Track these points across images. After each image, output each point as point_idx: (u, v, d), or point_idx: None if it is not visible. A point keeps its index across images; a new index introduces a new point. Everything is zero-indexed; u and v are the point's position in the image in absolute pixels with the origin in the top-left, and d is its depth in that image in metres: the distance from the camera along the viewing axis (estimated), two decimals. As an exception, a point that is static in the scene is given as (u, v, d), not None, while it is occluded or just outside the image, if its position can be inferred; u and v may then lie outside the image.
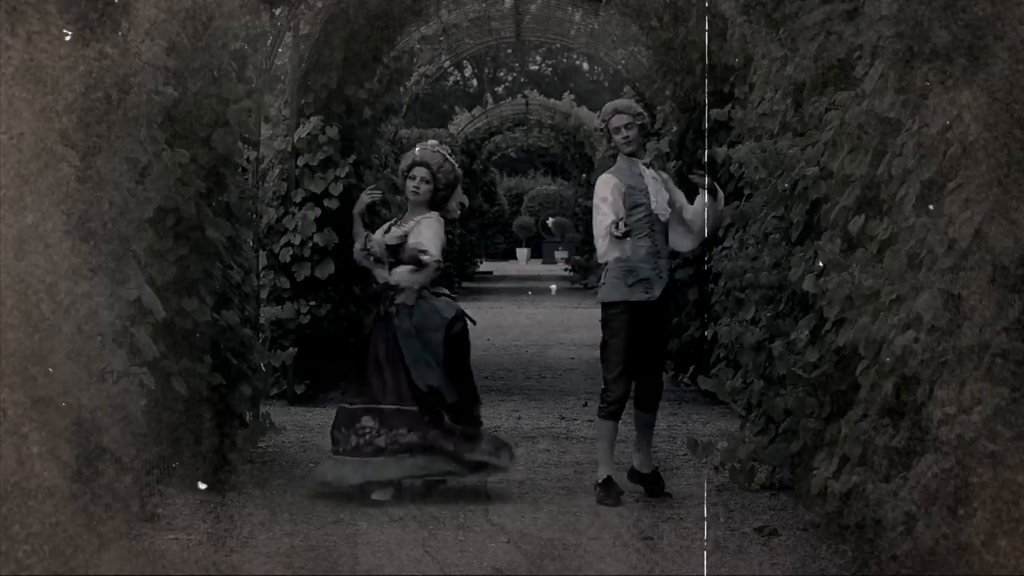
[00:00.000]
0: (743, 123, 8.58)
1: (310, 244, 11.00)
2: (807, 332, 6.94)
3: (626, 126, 7.61)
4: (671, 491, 7.54)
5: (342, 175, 11.08)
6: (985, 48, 4.92)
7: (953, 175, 4.99)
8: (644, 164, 7.65)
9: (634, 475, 7.65)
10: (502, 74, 50.94)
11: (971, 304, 4.84)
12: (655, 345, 7.55)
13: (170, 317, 6.63)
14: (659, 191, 7.56)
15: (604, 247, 7.45)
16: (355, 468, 7.30)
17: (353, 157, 11.28)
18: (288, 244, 11.03)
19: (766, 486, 7.61)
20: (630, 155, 7.65)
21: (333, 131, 11.06)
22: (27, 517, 5.00)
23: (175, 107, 6.73)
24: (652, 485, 7.55)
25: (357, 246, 7.64)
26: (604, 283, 7.53)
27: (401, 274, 7.50)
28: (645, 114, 7.74)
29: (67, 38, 5.49)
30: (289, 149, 11.08)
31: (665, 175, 7.74)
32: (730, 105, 9.08)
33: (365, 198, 7.69)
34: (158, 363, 6.26)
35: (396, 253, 7.53)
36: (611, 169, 7.68)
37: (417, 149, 7.73)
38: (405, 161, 7.72)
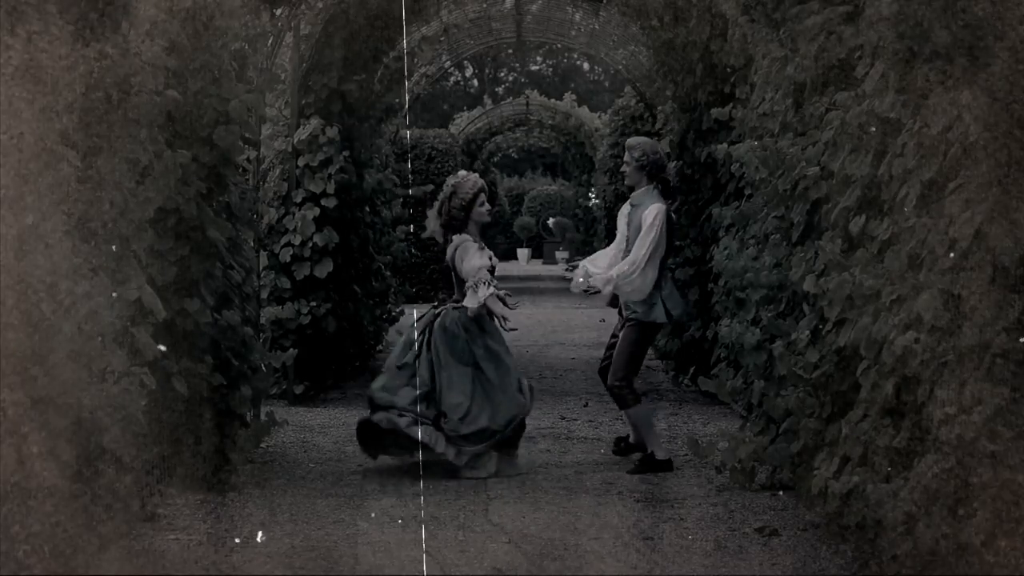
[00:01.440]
0: (744, 123, 8.58)
1: (310, 244, 11.00)
2: (808, 332, 6.94)
3: (625, 161, 8.61)
4: (671, 491, 7.56)
5: (334, 172, 11.07)
6: (985, 48, 4.92)
7: (953, 175, 4.99)
8: (631, 202, 8.58)
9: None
10: (503, 74, 50.93)
11: (971, 304, 4.85)
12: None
13: (171, 317, 6.63)
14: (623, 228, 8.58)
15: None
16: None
17: (346, 153, 11.26)
18: (288, 244, 11.03)
19: (766, 486, 7.61)
20: (629, 187, 8.70)
21: (333, 131, 11.06)
22: (27, 517, 5.00)
23: (176, 107, 6.73)
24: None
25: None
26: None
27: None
28: (647, 157, 8.46)
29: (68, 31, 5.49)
30: (289, 149, 11.08)
31: (641, 213, 8.43)
32: (731, 104, 9.07)
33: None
34: (158, 363, 6.25)
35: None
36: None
37: (475, 177, 8.61)
38: (470, 190, 8.46)
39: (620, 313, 8.59)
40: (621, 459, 8.57)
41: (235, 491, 7.41)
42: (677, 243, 12.10)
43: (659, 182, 8.49)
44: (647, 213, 8.31)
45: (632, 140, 8.72)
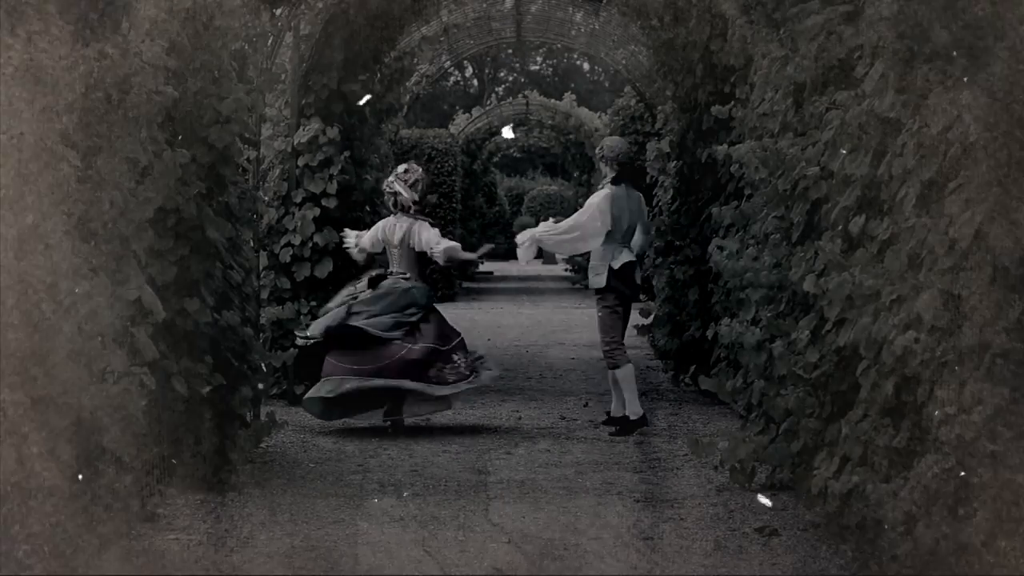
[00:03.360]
0: (744, 123, 8.58)
1: (310, 244, 11.01)
2: (807, 332, 6.93)
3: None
4: (671, 491, 7.56)
5: (335, 173, 11.08)
6: (985, 48, 4.92)
7: (953, 175, 4.99)
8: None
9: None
10: (503, 74, 50.94)
11: (971, 304, 4.85)
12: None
13: (171, 317, 6.62)
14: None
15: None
16: None
17: (347, 153, 11.26)
18: (288, 244, 11.04)
19: (766, 486, 7.61)
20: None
21: (333, 132, 11.07)
22: (27, 517, 5.00)
23: (175, 107, 6.73)
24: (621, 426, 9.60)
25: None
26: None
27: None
28: (601, 152, 9.91)
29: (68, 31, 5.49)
30: (289, 149, 11.08)
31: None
32: (731, 104, 9.07)
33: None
34: (158, 363, 6.25)
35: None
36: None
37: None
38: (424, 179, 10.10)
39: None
40: (617, 439, 9.36)
41: (235, 491, 7.41)
42: (677, 243, 12.12)
43: (619, 173, 9.77)
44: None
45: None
